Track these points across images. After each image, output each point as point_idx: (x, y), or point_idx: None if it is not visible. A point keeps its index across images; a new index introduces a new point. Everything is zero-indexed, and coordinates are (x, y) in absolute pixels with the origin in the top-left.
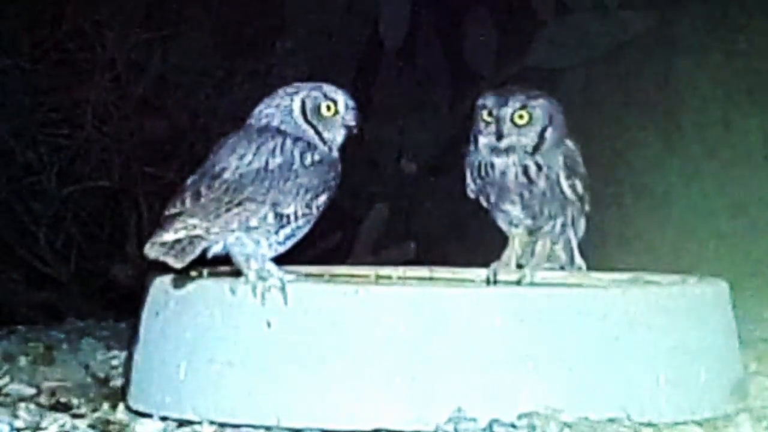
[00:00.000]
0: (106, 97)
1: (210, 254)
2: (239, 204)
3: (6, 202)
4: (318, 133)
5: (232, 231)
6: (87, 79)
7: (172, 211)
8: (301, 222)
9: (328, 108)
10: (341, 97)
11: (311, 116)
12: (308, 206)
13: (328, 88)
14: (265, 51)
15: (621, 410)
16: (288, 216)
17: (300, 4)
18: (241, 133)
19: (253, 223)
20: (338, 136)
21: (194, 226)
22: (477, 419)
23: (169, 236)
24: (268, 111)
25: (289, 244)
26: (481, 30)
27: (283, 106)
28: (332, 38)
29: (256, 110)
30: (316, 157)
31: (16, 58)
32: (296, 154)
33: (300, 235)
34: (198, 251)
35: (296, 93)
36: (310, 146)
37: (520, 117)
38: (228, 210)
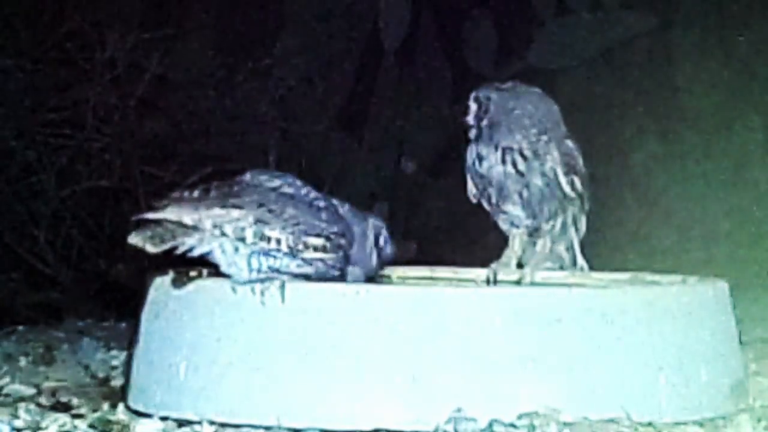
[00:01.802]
0: (106, 97)
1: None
2: (223, 206)
3: (6, 202)
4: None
5: (216, 235)
6: (87, 79)
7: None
8: (285, 251)
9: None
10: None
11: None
12: (295, 242)
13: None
14: (265, 51)
15: (621, 410)
16: (270, 239)
17: (300, 4)
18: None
19: (228, 230)
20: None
21: (181, 216)
22: (477, 419)
23: (153, 215)
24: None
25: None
26: (481, 30)
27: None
28: (332, 38)
29: None
30: (330, 207)
31: (16, 58)
32: (311, 196)
33: (284, 271)
34: (178, 244)
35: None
36: (330, 205)
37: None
38: (213, 206)
